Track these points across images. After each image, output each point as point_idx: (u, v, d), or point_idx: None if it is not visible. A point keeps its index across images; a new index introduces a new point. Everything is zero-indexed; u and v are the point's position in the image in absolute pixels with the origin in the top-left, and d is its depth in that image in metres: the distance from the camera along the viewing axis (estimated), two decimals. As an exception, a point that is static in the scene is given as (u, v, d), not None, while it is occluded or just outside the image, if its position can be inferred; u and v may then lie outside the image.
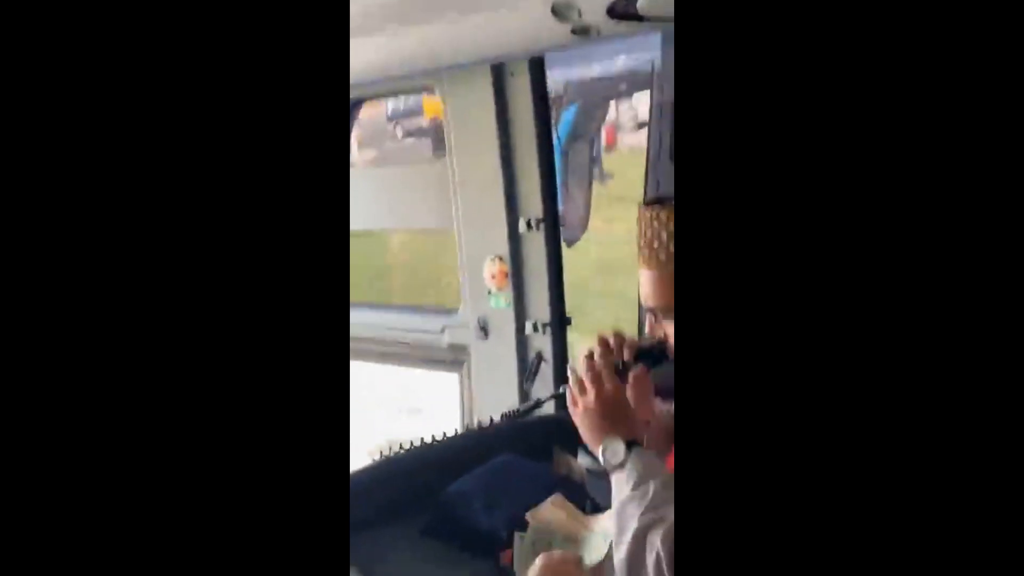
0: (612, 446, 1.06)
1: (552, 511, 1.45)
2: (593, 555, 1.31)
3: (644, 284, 1.10)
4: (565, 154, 3.01)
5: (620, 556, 1.00)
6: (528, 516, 1.42)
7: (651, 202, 1.07)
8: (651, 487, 1.00)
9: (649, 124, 2.85)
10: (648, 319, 1.14)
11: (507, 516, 1.42)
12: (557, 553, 1.22)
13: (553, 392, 1.29)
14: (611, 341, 1.14)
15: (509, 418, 1.31)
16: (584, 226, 3.47)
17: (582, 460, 1.67)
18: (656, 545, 0.95)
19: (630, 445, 1.05)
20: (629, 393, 1.13)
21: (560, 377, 1.97)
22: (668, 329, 1.10)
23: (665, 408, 1.19)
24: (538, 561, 1.17)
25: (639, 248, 1.09)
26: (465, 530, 1.44)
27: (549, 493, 1.48)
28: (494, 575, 1.36)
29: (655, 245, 1.06)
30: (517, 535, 1.39)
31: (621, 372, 1.12)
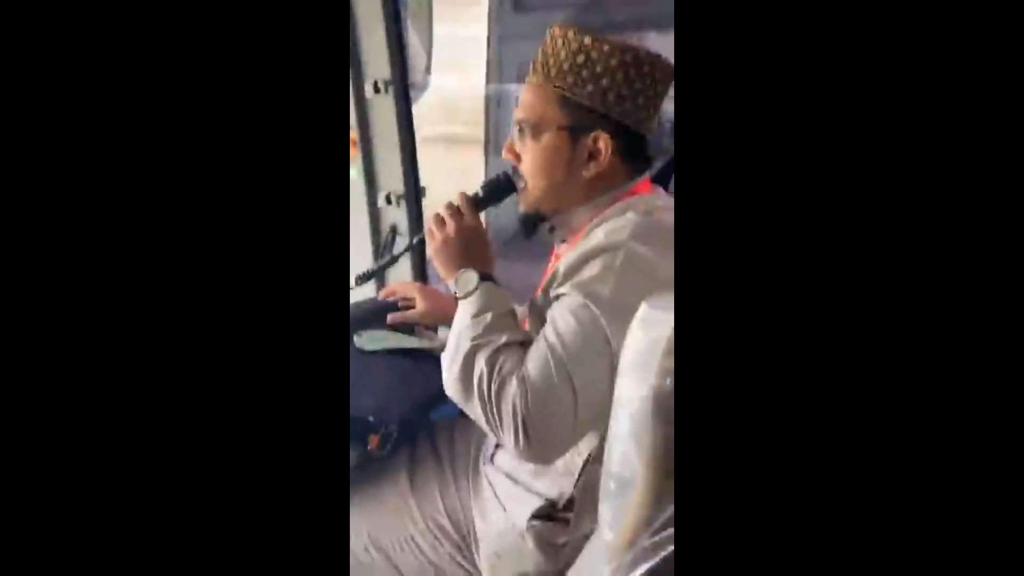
0: (466, 275, 1.12)
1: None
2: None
3: (523, 96, 1.13)
4: (404, 5, 2.81)
5: (451, 376, 1.08)
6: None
7: (563, 24, 1.10)
8: (488, 316, 1.08)
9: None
10: (512, 132, 1.16)
11: (371, 401, 1.39)
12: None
13: (407, 245, 1.29)
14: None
15: (363, 279, 1.31)
16: (427, 83, 3.31)
17: (442, 333, 1.65)
18: (481, 364, 1.04)
19: (484, 278, 1.11)
20: None
21: (417, 247, 1.92)
22: (528, 146, 1.13)
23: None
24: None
25: (532, 63, 1.13)
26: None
27: (411, 375, 1.46)
28: (363, 459, 1.34)
29: (550, 61, 1.10)
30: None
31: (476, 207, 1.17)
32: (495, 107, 3.04)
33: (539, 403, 1.01)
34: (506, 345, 1.06)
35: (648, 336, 0.72)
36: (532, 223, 1.19)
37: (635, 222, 1.07)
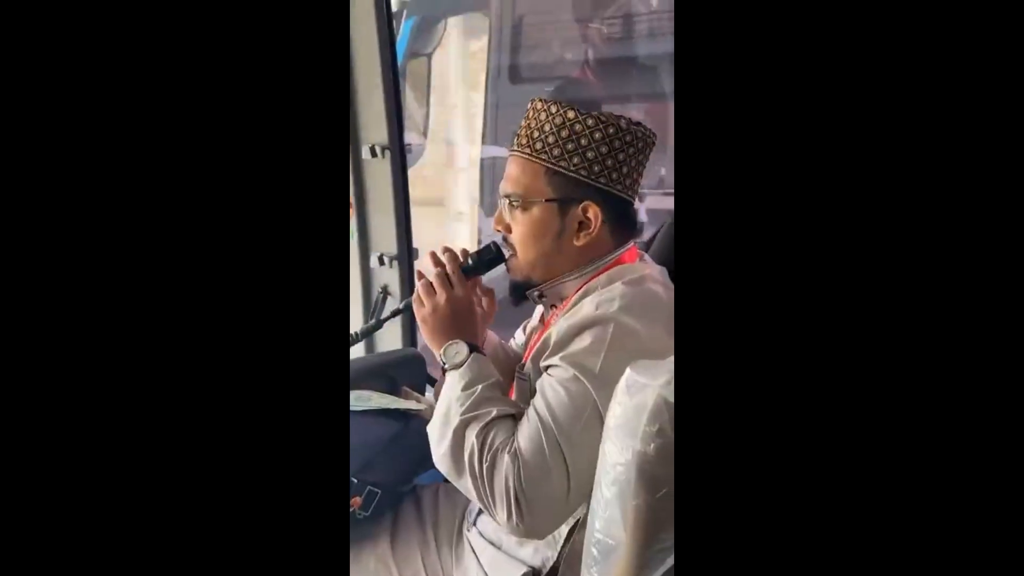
0: (455, 347, 1.12)
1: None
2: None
3: (509, 169, 1.15)
4: (403, 72, 2.87)
5: (441, 450, 1.08)
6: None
7: (545, 99, 1.14)
8: (479, 389, 1.08)
9: (488, 42, 2.77)
10: (502, 205, 1.18)
11: (354, 461, 1.38)
12: None
13: (396, 308, 1.29)
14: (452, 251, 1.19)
15: (352, 340, 1.28)
16: (423, 147, 3.37)
17: (429, 397, 1.65)
18: (472, 439, 1.04)
19: (472, 349, 1.11)
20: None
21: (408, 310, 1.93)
22: (517, 217, 1.15)
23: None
24: None
25: (516, 135, 1.15)
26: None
27: (397, 437, 1.45)
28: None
29: (535, 134, 1.12)
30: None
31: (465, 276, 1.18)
32: (490, 173, 3.09)
33: (532, 479, 1.01)
34: (497, 419, 1.06)
35: (632, 402, 0.73)
36: (521, 290, 1.20)
37: (624, 293, 1.08)
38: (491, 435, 1.04)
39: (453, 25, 3.20)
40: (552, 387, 1.05)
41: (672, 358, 0.80)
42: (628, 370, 0.75)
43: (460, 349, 1.11)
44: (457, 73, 3.35)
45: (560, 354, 1.06)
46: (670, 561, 0.69)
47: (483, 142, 3.12)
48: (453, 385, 1.10)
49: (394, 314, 1.31)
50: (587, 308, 1.08)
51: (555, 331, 1.09)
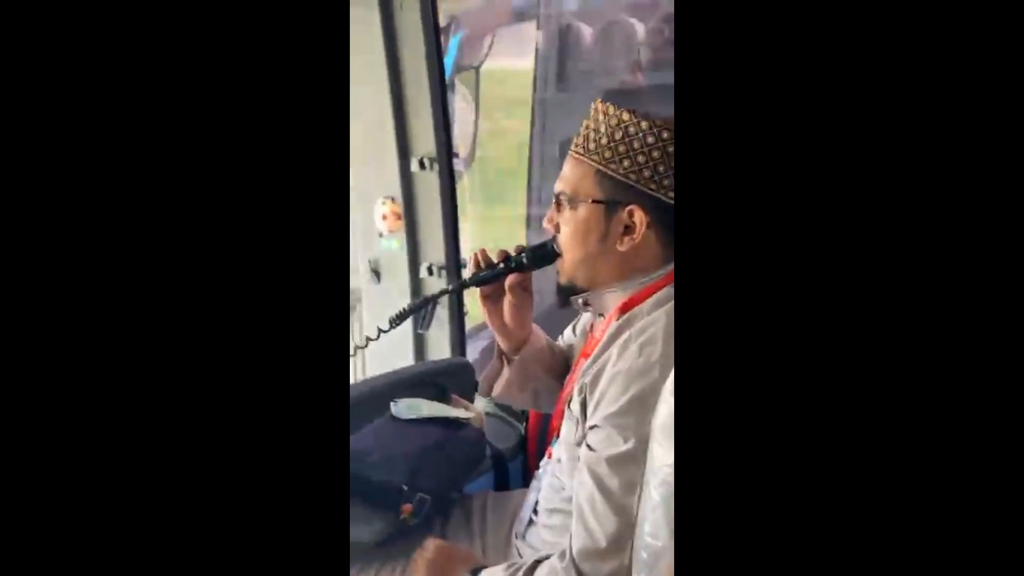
0: None
1: None
2: None
3: (564, 169, 1.16)
4: (452, 86, 2.91)
5: None
6: None
7: (605, 101, 1.14)
8: None
9: (536, 60, 2.79)
10: (554, 206, 1.18)
11: (405, 469, 1.39)
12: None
13: (442, 290, 1.30)
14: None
15: (397, 320, 1.31)
16: (472, 159, 3.39)
17: (479, 403, 1.65)
18: None
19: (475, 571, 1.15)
20: (506, 304, 1.23)
21: (457, 319, 1.94)
22: (565, 217, 1.15)
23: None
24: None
25: (578, 136, 1.15)
26: (365, 486, 1.40)
27: (447, 444, 1.45)
28: (396, 528, 1.34)
29: (591, 135, 1.12)
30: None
31: (503, 273, 1.21)
32: (537, 182, 3.10)
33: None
34: None
35: (679, 403, 0.72)
36: (567, 295, 1.20)
37: (667, 328, 1.07)
38: None
39: (501, 38, 3.22)
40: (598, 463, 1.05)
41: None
42: (674, 370, 0.74)
43: None
44: (507, 84, 3.38)
45: (604, 414, 1.06)
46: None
47: (529, 156, 3.13)
48: None
49: (441, 294, 1.33)
50: (631, 355, 1.07)
51: (603, 382, 1.08)
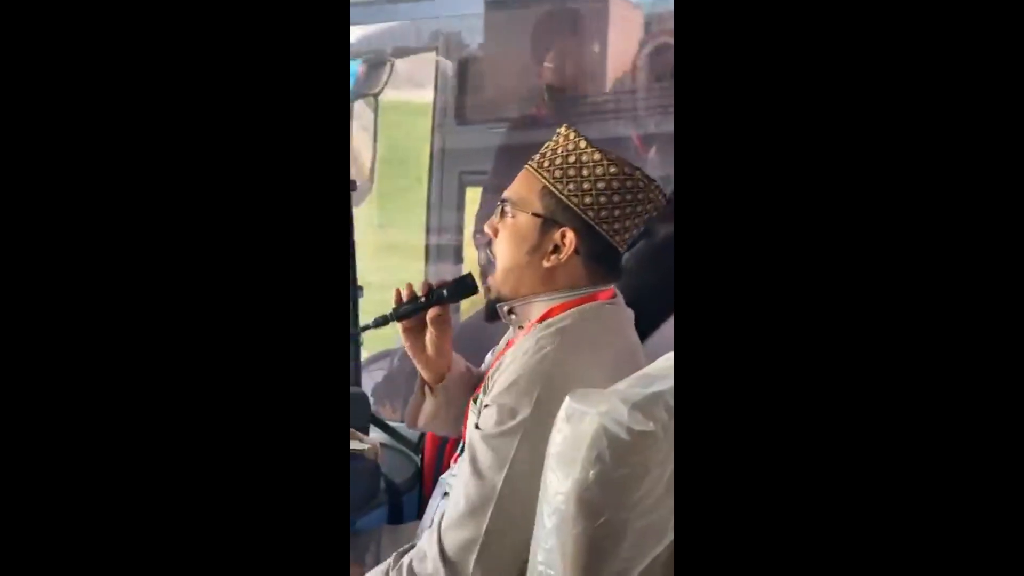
0: None
1: None
2: None
3: (516, 178, 1.20)
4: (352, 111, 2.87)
5: None
6: None
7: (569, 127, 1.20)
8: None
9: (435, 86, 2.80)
10: (497, 213, 1.20)
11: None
12: None
13: (366, 324, 1.28)
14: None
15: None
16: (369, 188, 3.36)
17: (374, 435, 1.62)
18: None
19: None
20: (428, 336, 1.23)
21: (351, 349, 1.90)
22: (505, 223, 1.18)
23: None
24: None
25: (539, 152, 1.19)
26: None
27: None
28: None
29: (548, 154, 1.17)
30: None
31: (425, 306, 1.21)
32: (437, 212, 3.09)
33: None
34: None
35: (573, 430, 0.72)
36: (494, 308, 1.22)
37: (570, 329, 1.12)
38: None
39: (400, 66, 3.22)
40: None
41: (613, 388, 0.80)
42: (568, 399, 0.74)
43: None
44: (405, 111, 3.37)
45: (494, 394, 1.09)
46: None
47: (428, 185, 3.13)
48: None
49: (364, 329, 1.30)
50: (527, 345, 1.12)
51: (502, 366, 1.11)
